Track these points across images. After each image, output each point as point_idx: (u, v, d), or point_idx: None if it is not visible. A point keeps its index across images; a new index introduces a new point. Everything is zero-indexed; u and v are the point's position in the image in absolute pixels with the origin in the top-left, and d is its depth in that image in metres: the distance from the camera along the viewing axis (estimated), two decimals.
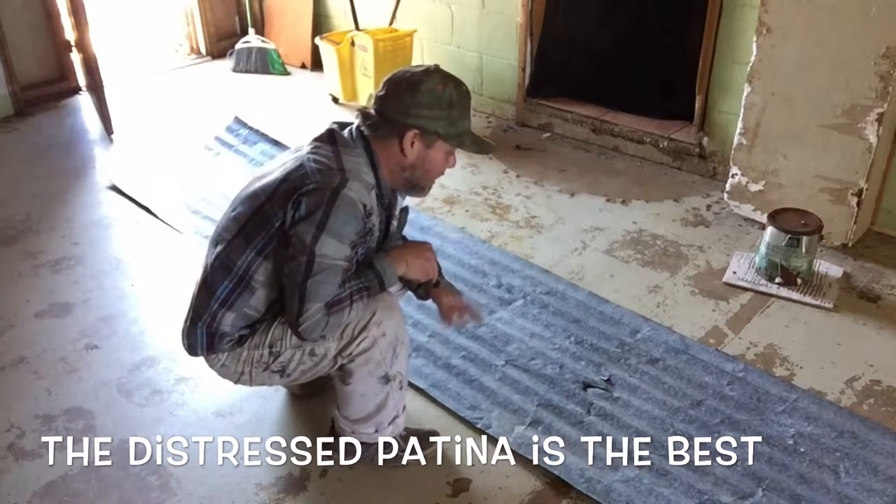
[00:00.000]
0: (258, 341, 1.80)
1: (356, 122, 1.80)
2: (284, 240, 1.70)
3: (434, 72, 1.75)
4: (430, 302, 2.07)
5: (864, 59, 2.66)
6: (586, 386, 2.27)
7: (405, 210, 2.02)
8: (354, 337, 1.78)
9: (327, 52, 4.28)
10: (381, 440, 1.96)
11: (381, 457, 1.98)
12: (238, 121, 4.09)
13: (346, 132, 1.78)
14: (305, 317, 1.66)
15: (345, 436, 1.98)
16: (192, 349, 1.85)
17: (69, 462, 2.03)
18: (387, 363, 1.84)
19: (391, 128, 1.74)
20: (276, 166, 1.79)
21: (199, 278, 1.84)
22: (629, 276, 2.84)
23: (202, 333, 1.81)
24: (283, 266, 1.70)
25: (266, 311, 1.80)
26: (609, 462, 2.01)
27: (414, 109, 1.71)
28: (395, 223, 1.94)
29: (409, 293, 2.10)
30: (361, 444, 1.97)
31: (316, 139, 1.78)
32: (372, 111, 1.77)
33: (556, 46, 3.99)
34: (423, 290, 2.03)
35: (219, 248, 1.79)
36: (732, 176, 3.15)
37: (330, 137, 1.77)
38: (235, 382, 1.90)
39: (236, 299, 1.77)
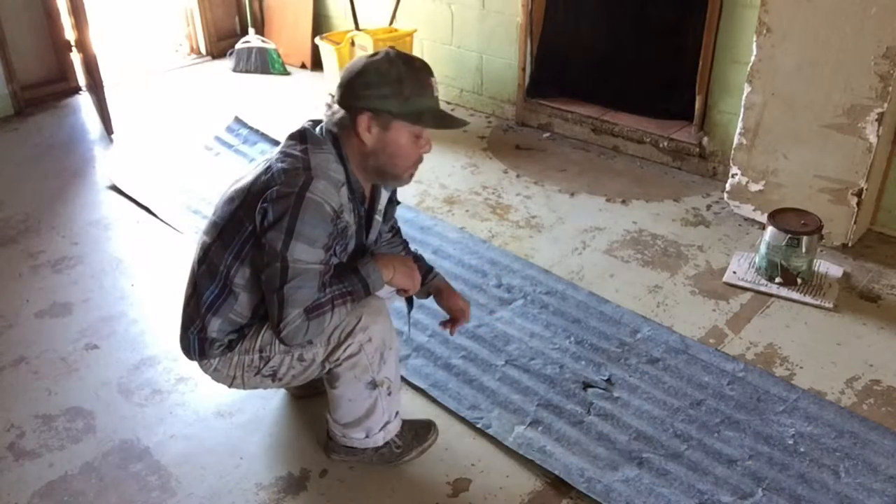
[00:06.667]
0: (248, 346, 1.80)
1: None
2: (258, 245, 1.68)
3: (383, 53, 1.68)
4: (430, 301, 2.07)
5: (864, 59, 2.66)
6: (586, 386, 2.27)
7: (393, 203, 1.98)
8: (341, 342, 1.77)
9: (327, 51, 4.28)
10: (372, 445, 1.97)
11: (378, 459, 1.99)
12: (238, 121, 4.09)
13: (318, 129, 1.75)
14: (286, 322, 1.64)
15: (337, 440, 1.98)
16: (186, 353, 1.86)
17: (69, 462, 2.03)
18: (374, 369, 1.82)
19: (346, 115, 1.69)
20: (250, 169, 1.77)
21: (188, 284, 1.84)
22: (629, 276, 2.83)
23: (194, 339, 1.81)
24: (261, 273, 1.69)
25: (252, 315, 1.79)
26: (609, 462, 2.01)
27: (362, 91, 1.65)
28: (378, 217, 1.91)
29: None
30: (356, 448, 1.98)
31: (288, 138, 1.76)
32: (333, 103, 1.74)
33: (556, 46, 3.99)
34: (408, 301, 2.01)
35: (201, 253, 1.79)
36: (732, 176, 3.15)
37: (301, 136, 1.74)
38: (229, 386, 1.90)
39: (221, 304, 1.76)
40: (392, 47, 1.72)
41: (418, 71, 1.69)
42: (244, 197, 1.71)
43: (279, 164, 1.68)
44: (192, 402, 2.25)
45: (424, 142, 1.75)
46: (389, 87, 1.65)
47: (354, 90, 1.67)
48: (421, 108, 1.68)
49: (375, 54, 1.69)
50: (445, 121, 1.73)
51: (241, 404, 2.23)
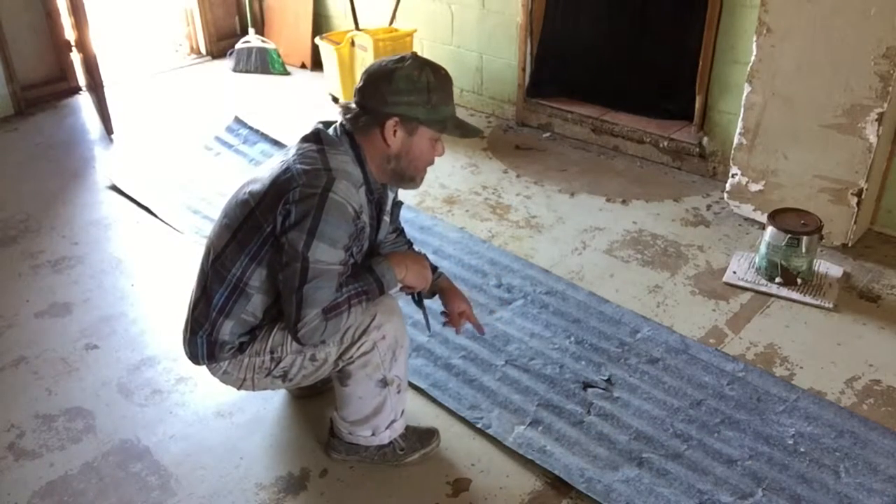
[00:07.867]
0: (259, 348, 1.79)
1: (339, 118, 1.78)
2: (277, 245, 1.68)
3: (410, 58, 1.71)
4: (430, 302, 2.07)
5: (864, 59, 2.66)
6: (586, 386, 2.27)
7: (397, 204, 2.00)
8: (355, 340, 1.78)
9: (327, 51, 4.28)
10: (378, 444, 1.97)
11: (380, 459, 1.99)
12: (238, 121, 4.09)
13: (330, 130, 1.76)
14: (303, 322, 1.65)
15: (342, 437, 1.98)
16: (193, 358, 1.85)
17: (69, 462, 2.03)
18: (385, 366, 1.83)
19: (372, 118, 1.71)
20: (263, 171, 1.76)
21: (196, 288, 1.83)
22: (629, 276, 2.83)
23: (202, 343, 1.80)
24: (279, 273, 1.69)
25: (264, 316, 1.79)
26: (609, 462, 2.01)
27: (392, 97, 1.68)
28: (386, 218, 1.93)
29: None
30: (360, 445, 1.98)
31: (302, 140, 1.76)
32: (352, 105, 1.75)
33: (556, 46, 3.99)
34: (417, 296, 2.02)
35: (213, 257, 1.78)
36: (732, 176, 3.15)
37: (315, 137, 1.74)
38: (238, 388, 1.90)
39: (233, 306, 1.76)
40: (414, 53, 1.76)
41: (444, 79, 1.73)
42: (262, 198, 1.70)
43: (298, 165, 1.68)
44: (192, 402, 2.25)
45: (440, 146, 1.79)
46: (418, 95, 1.68)
47: (383, 95, 1.68)
48: (445, 115, 1.73)
49: (402, 59, 1.70)
50: (466, 130, 1.77)
51: (241, 404, 2.23)
